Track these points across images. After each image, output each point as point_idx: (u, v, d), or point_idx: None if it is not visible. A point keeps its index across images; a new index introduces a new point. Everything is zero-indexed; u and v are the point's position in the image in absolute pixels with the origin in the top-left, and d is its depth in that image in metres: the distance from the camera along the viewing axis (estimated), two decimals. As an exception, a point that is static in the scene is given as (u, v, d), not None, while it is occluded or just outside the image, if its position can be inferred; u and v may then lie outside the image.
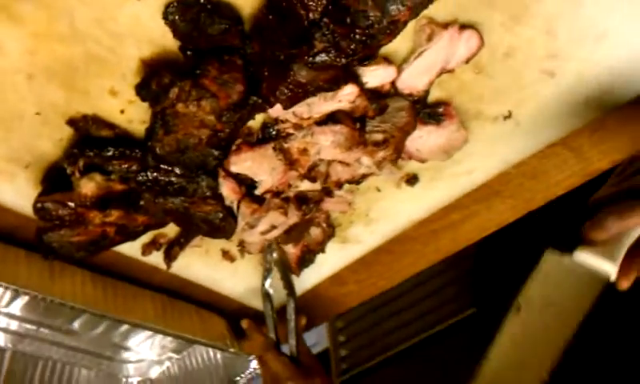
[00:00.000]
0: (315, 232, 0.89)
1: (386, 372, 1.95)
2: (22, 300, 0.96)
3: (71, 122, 0.70)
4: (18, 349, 1.07)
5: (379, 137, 0.72)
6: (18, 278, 0.82)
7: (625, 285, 0.63)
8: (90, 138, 0.71)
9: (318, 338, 2.07)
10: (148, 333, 1.10)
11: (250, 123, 0.72)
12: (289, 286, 0.95)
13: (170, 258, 0.89)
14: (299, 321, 0.99)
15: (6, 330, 1.04)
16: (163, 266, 0.92)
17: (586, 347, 0.76)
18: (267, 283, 0.98)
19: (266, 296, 0.99)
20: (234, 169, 0.75)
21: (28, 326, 1.04)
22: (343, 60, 0.58)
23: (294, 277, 0.99)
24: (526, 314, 0.68)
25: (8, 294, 0.95)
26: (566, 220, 0.69)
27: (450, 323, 1.86)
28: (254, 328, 1.03)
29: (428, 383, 1.85)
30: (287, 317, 0.97)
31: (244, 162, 0.74)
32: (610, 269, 0.63)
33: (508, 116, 0.79)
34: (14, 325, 1.04)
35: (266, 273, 0.96)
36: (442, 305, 1.89)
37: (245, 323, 1.04)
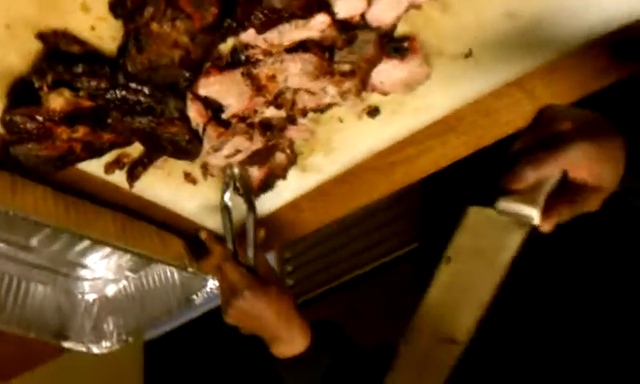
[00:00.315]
0: (280, 157, 0.92)
1: (330, 301, 2.02)
2: (-18, 213, 0.96)
3: (41, 37, 0.70)
4: (-27, 262, 1.07)
5: (346, 67, 0.74)
6: (-22, 191, 0.82)
7: (547, 228, 0.64)
8: (60, 54, 0.71)
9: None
10: (105, 251, 1.11)
11: (220, 47, 0.73)
12: (248, 200, 0.97)
13: (132, 177, 0.90)
14: (258, 233, 1.01)
15: (-38, 243, 1.04)
16: (125, 186, 0.93)
17: (516, 294, 0.79)
18: (226, 196, 0.99)
19: (225, 209, 1.00)
20: (202, 92, 0.76)
21: (-15, 240, 1.05)
22: (318, -11, 0.60)
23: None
24: (455, 264, 0.70)
25: (-33, 207, 0.95)
26: (488, 172, 0.71)
27: (393, 256, 1.93)
28: (212, 239, 1.06)
29: (369, 313, 1.93)
30: (246, 227, 0.99)
31: (212, 86, 0.75)
32: (532, 213, 0.64)
33: (468, 54, 0.82)
34: (-30, 238, 1.04)
35: (225, 186, 0.97)
36: (387, 239, 1.96)
37: (203, 234, 1.06)
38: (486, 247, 0.69)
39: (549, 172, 0.62)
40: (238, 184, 0.95)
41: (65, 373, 2.30)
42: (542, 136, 0.64)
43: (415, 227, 1.89)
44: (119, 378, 2.63)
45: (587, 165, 0.62)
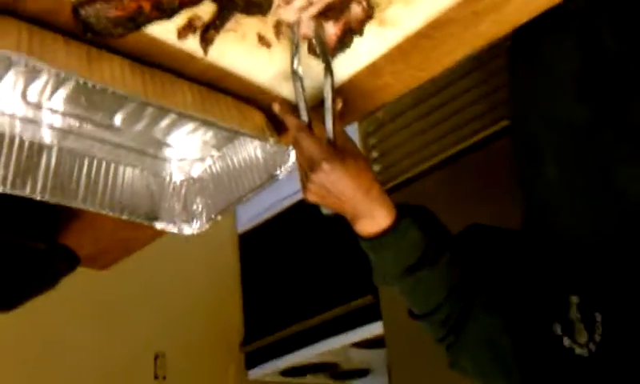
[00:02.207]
0: (355, 10, 0.86)
1: (418, 186, 1.98)
2: (65, 90, 0.98)
3: None
4: (63, 146, 1.10)
5: None
6: (57, 62, 0.82)
7: None
8: None
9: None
10: (189, 128, 1.12)
11: None
12: (325, 60, 0.92)
13: (206, 41, 0.88)
14: (336, 102, 0.97)
15: (51, 127, 1.07)
16: (200, 54, 0.91)
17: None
18: (296, 61, 0.94)
19: (296, 75, 0.96)
20: None
21: (71, 121, 1.07)
22: None
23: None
24: None
25: (50, 84, 0.96)
26: None
27: (482, 136, 1.87)
28: (285, 110, 1.01)
29: (459, 196, 1.88)
30: (324, 95, 0.95)
31: None
32: None
33: None
34: (57, 121, 1.06)
35: (295, 49, 0.93)
36: (475, 118, 1.89)
37: (276, 106, 1.02)
38: None
39: None
40: (314, 42, 0.91)
41: (163, 263, 2.41)
42: None
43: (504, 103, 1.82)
44: (217, 268, 2.74)
45: None
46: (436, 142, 1.92)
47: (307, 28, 0.91)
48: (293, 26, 0.89)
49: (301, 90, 0.98)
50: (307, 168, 0.97)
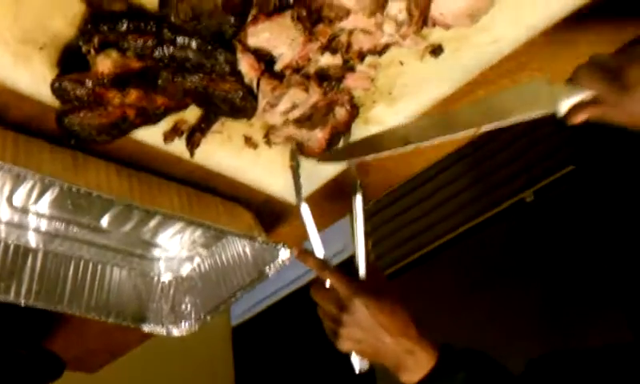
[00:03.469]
0: (340, 112, 0.87)
1: (414, 274, 1.96)
2: (50, 195, 0.97)
3: (83, -4, 0.68)
4: (49, 249, 1.08)
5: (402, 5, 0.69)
6: (42, 168, 0.82)
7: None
8: (104, 13, 0.69)
9: (345, 245, 2.06)
10: (176, 228, 1.11)
11: (267, -9, 0.70)
12: (354, 183, 0.91)
13: (192, 144, 0.88)
14: (367, 238, 0.91)
15: (36, 230, 1.05)
16: (186, 156, 0.91)
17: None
18: (300, 198, 0.95)
19: (304, 213, 0.94)
20: (251, 42, 0.73)
21: (57, 224, 1.05)
22: None
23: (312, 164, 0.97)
24: None
25: (36, 189, 0.96)
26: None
27: (473, 224, 1.86)
28: (303, 254, 0.94)
29: (455, 285, 1.86)
30: (353, 221, 0.91)
31: (261, 34, 0.72)
32: None
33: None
34: (43, 224, 1.05)
35: (297, 170, 0.94)
36: (464, 206, 1.89)
37: (295, 251, 0.95)
38: None
39: None
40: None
41: (155, 361, 2.34)
42: None
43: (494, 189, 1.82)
44: (210, 363, 2.68)
45: None
46: (426, 232, 1.91)
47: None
48: (294, 154, 0.91)
49: (311, 219, 0.95)
50: (336, 311, 0.88)
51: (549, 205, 1.73)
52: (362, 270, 0.90)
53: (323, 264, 0.92)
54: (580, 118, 0.71)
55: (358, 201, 0.91)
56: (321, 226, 1.00)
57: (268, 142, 0.94)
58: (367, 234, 0.91)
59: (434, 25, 0.76)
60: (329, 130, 0.92)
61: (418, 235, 1.93)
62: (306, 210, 0.97)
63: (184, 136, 0.88)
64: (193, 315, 1.19)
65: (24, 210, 1.01)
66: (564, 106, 0.71)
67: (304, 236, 0.99)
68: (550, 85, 0.72)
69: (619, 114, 0.69)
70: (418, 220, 1.94)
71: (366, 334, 0.87)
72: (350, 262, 0.92)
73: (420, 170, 1.05)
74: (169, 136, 0.87)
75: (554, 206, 1.72)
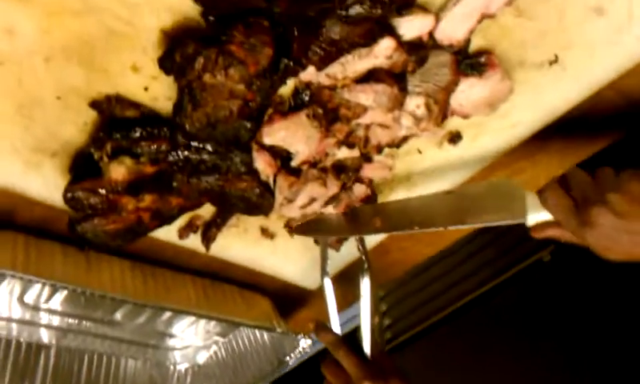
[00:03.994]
0: (359, 192, 0.85)
1: (434, 337, 1.92)
2: (62, 294, 0.95)
3: (94, 104, 0.67)
4: (62, 344, 1.05)
5: (420, 101, 0.67)
6: (55, 272, 0.80)
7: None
8: (116, 120, 0.68)
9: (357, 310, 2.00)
10: (191, 319, 1.08)
11: (281, 91, 0.68)
12: (367, 262, 0.90)
13: (207, 240, 0.86)
14: (374, 317, 0.91)
15: (48, 326, 1.03)
16: (202, 249, 0.89)
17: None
18: (326, 274, 0.92)
19: (327, 288, 0.93)
20: (267, 141, 0.71)
21: (70, 320, 1.03)
22: (379, 10, 0.54)
23: (332, 252, 0.95)
24: None
25: (47, 290, 0.94)
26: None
27: (491, 285, 1.82)
28: (320, 327, 0.94)
29: (476, 346, 1.81)
30: (361, 309, 0.90)
31: (278, 133, 0.70)
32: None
33: (554, 61, 0.73)
34: (56, 320, 1.02)
35: (324, 261, 0.92)
36: (484, 266, 1.85)
37: (311, 325, 0.96)
38: None
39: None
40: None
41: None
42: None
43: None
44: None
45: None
46: (444, 295, 1.87)
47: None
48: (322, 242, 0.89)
49: (333, 303, 0.94)
50: None
51: (566, 264, 1.69)
52: (368, 349, 0.90)
53: (338, 342, 0.92)
54: (540, 236, 0.74)
55: (365, 282, 0.90)
56: (338, 308, 0.97)
57: (290, 232, 0.91)
58: (376, 313, 0.91)
59: (452, 114, 0.74)
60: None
61: (432, 300, 1.89)
62: (328, 285, 0.94)
63: (199, 232, 0.86)
64: (210, 405, 1.16)
65: (35, 308, 0.99)
66: (531, 219, 0.73)
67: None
68: (522, 192, 0.74)
69: (580, 242, 0.70)
70: (431, 284, 1.90)
71: None
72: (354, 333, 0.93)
73: (440, 250, 1.03)
74: (184, 232, 0.85)
75: (571, 265, 1.68)
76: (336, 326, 0.94)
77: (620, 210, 0.64)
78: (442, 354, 1.84)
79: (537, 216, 0.72)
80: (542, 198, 0.71)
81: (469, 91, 0.71)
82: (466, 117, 0.75)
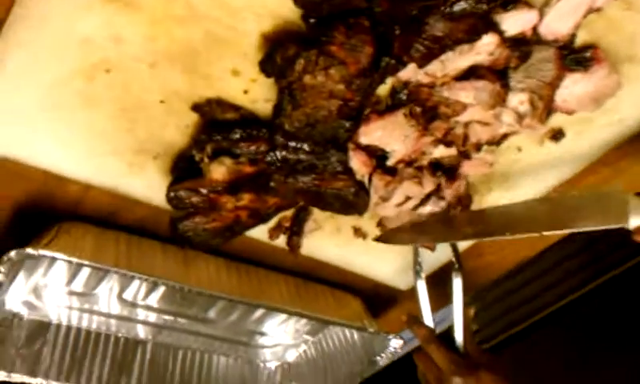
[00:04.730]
0: (450, 194, 0.83)
1: (523, 343, 1.87)
2: (159, 291, 0.98)
3: (196, 108, 0.68)
4: (157, 340, 1.09)
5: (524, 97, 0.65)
6: (155, 269, 0.82)
7: None
8: (216, 122, 0.69)
9: (444, 314, 1.98)
10: (282, 317, 1.09)
11: (378, 90, 0.68)
12: (458, 263, 0.91)
13: (292, 248, 0.87)
14: (467, 311, 0.93)
15: (145, 322, 1.06)
16: (294, 249, 0.90)
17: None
18: (419, 275, 0.93)
19: (419, 282, 0.94)
20: (364, 140, 0.71)
21: (166, 317, 1.06)
22: (484, 6, 0.53)
23: (424, 252, 0.94)
24: None
25: (144, 287, 0.97)
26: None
27: (583, 291, 1.76)
28: (412, 320, 0.95)
29: (569, 353, 1.76)
30: (454, 300, 0.91)
31: (374, 133, 0.70)
32: None
33: (665, 55, 0.70)
34: (152, 317, 1.06)
35: (417, 250, 0.92)
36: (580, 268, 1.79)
37: (404, 316, 0.97)
38: None
39: None
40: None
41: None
42: None
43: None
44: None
45: None
46: (541, 296, 1.82)
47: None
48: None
49: (425, 293, 0.94)
50: (435, 382, 0.90)
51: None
52: (460, 343, 0.91)
53: (431, 336, 0.92)
54: None
55: (457, 282, 0.92)
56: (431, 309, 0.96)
57: (383, 230, 0.91)
58: (468, 311, 0.91)
59: (555, 111, 0.72)
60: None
61: (522, 306, 1.84)
62: (421, 286, 0.95)
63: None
64: (299, 402, 1.16)
65: (133, 305, 1.02)
66: (633, 222, 0.70)
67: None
68: (623, 195, 0.71)
69: None
70: (521, 289, 1.85)
71: None
72: (448, 333, 0.93)
73: (538, 252, 1.00)
74: (273, 234, 0.86)
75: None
76: (429, 323, 0.94)
77: None
78: (529, 363, 1.80)
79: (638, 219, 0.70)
80: None
81: (573, 87, 0.69)
82: (570, 113, 0.72)
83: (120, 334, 1.06)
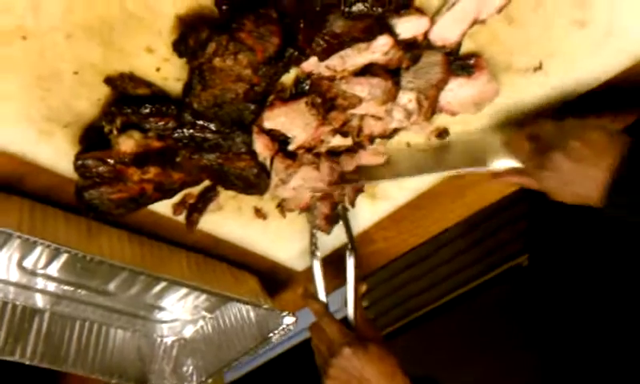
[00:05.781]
0: (347, 188, 0.90)
1: (411, 334, 1.97)
2: (60, 260, 0.99)
3: (108, 81, 0.71)
4: (55, 310, 1.09)
5: (412, 96, 0.73)
6: (58, 237, 0.84)
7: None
8: (127, 97, 0.72)
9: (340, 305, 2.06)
10: (181, 292, 1.12)
11: (283, 79, 0.73)
12: (350, 242, 0.96)
13: (191, 223, 0.90)
14: (359, 286, 0.98)
15: (44, 292, 1.07)
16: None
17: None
18: (315, 256, 0.99)
19: (314, 256, 0.99)
20: (267, 125, 0.76)
21: (65, 287, 1.07)
22: (379, 9, 0.59)
23: (322, 235, 1.00)
24: None
25: (46, 254, 0.98)
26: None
27: (474, 285, 1.88)
28: (307, 294, 1.01)
29: (453, 345, 1.87)
30: (347, 277, 0.96)
31: (277, 118, 0.75)
32: None
33: (538, 67, 0.79)
34: (51, 286, 1.06)
35: (313, 230, 0.97)
36: (465, 267, 1.90)
37: (300, 289, 1.02)
38: None
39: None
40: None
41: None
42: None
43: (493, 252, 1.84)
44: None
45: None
46: (429, 290, 1.92)
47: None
48: (311, 211, 0.94)
49: (320, 272, 1.00)
50: (327, 353, 0.94)
51: (544, 270, 1.75)
52: (351, 317, 0.97)
53: (323, 309, 0.98)
54: (500, 180, 0.84)
55: (350, 261, 0.97)
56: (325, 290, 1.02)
57: (282, 211, 0.96)
58: (360, 287, 1.00)
59: (440, 111, 0.80)
60: (330, 204, 0.95)
61: (414, 297, 1.95)
62: (317, 266, 1.01)
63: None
64: (194, 377, 1.20)
65: (33, 273, 1.03)
66: (496, 165, 0.81)
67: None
68: (491, 139, 0.83)
69: (536, 184, 0.78)
70: (414, 281, 1.95)
71: (350, 379, 0.92)
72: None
73: (422, 241, 1.08)
74: (177, 209, 0.90)
75: (549, 270, 1.74)
76: (322, 296, 1.01)
77: (578, 156, 0.71)
78: (417, 353, 1.90)
79: (502, 163, 0.80)
80: (509, 141, 0.79)
81: (457, 90, 0.77)
82: (453, 114, 0.80)
83: (18, 302, 1.06)
